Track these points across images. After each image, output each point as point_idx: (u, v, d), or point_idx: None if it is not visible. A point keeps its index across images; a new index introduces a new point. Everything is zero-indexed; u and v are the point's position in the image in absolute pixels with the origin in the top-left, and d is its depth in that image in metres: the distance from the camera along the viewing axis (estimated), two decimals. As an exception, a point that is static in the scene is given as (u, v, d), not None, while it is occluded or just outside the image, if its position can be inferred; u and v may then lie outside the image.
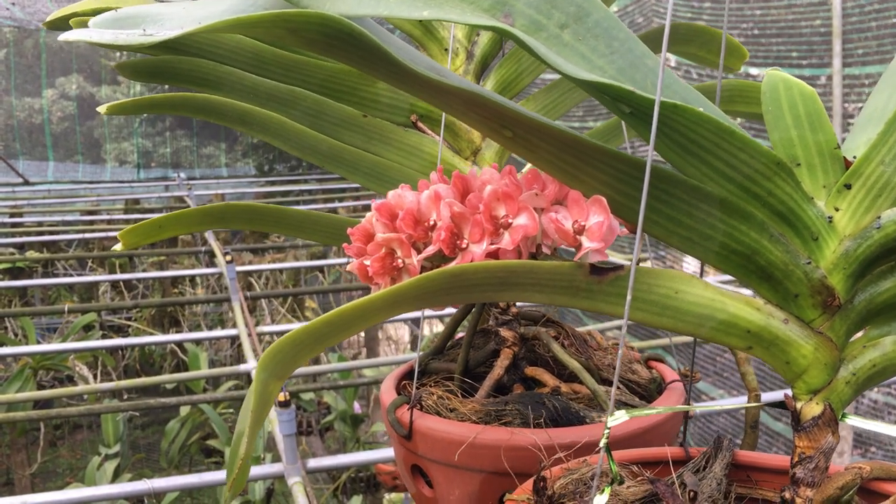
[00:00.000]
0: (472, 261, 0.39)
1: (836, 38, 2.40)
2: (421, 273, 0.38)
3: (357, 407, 3.88)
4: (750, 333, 0.40)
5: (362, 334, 4.99)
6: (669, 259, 3.41)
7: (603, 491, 0.36)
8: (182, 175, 6.09)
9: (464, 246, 0.39)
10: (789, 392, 0.42)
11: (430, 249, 0.39)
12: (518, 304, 0.71)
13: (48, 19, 0.73)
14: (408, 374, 0.68)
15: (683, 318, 0.39)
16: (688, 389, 0.63)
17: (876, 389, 2.66)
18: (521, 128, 0.38)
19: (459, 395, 0.62)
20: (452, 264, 0.39)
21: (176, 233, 0.73)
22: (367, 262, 0.40)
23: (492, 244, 0.39)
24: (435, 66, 0.39)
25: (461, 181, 0.41)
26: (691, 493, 0.39)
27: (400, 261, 0.39)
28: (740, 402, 0.51)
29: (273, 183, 6.37)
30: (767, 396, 1.78)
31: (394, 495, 3.84)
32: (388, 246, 0.39)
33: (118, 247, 0.68)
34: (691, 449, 0.47)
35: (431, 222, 0.40)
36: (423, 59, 0.39)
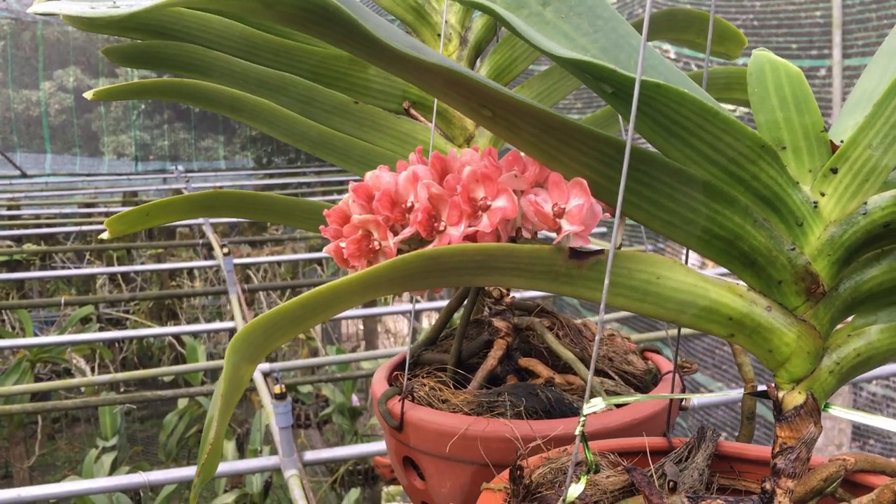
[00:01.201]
0: (449, 244, 0.38)
1: (837, 28, 2.38)
2: (398, 256, 0.38)
3: (355, 399, 3.87)
4: (732, 320, 0.39)
5: (361, 327, 4.99)
6: (669, 251, 3.40)
7: (579, 480, 0.35)
8: (180, 168, 6.07)
9: (441, 228, 0.38)
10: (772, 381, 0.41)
11: (407, 232, 0.38)
12: (513, 293, 0.70)
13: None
14: (400, 366, 0.68)
15: (664, 305, 0.39)
16: (681, 380, 0.62)
17: (874, 382, 2.66)
18: (501, 107, 0.37)
19: (452, 387, 0.61)
20: (429, 247, 0.38)
21: (163, 221, 0.72)
22: (343, 245, 0.39)
23: (470, 227, 0.38)
24: (415, 44, 0.38)
25: (440, 162, 0.40)
26: (671, 484, 0.38)
27: (376, 243, 0.39)
28: (727, 392, 0.50)
29: (271, 176, 6.36)
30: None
31: (392, 488, 3.83)
32: (364, 228, 0.39)
33: (105, 235, 0.67)
34: (674, 439, 0.47)
35: (409, 204, 0.39)
36: (403, 37, 0.38)
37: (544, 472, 0.40)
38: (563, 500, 0.34)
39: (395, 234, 0.39)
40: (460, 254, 0.36)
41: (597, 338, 0.33)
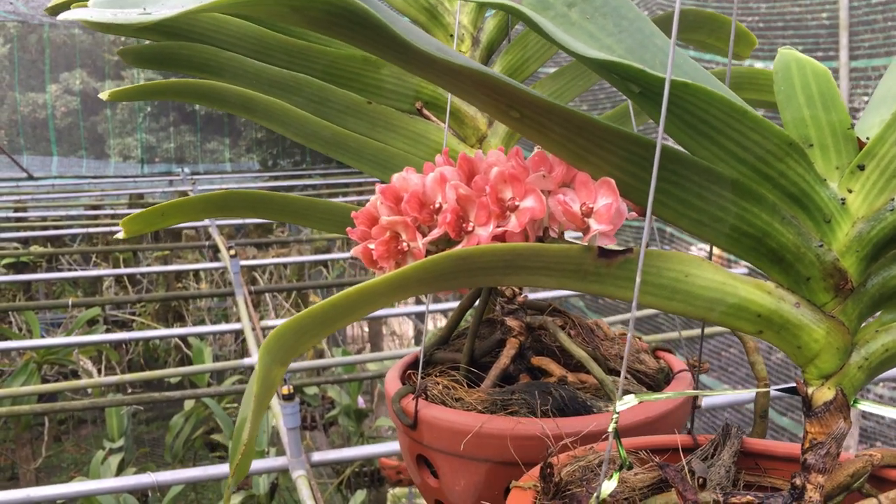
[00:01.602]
0: (478, 244, 0.38)
1: (843, 30, 2.38)
2: (426, 257, 0.38)
3: (361, 402, 3.87)
4: (760, 317, 0.39)
5: (366, 329, 5.00)
6: (676, 249, 3.39)
7: (611, 477, 0.35)
8: (186, 170, 6.09)
9: (470, 229, 0.38)
10: (800, 377, 0.41)
11: (436, 232, 0.38)
12: (525, 292, 0.70)
13: (50, 4, 0.72)
14: (413, 364, 0.68)
15: (693, 302, 0.39)
16: (695, 379, 0.62)
17: (882, 385, 2.65)
18: (530, 108, 0.38)
19: (465, 385, 0.61)
20: (458, 247, 0.38)
21: (178, 221, 0.73)
22: (372, 246, 0.39)
23: (498, 227, 0.38)
24: (442, 47, 0.38)
25: (467, 163, 0.40)
26: (700, 480, 0.38)
27: (405, 244, 0.39)
28: (750, 390, 0.50)
29: (277, 178, 6.37)
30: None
31: (398, 490, 3.84)
32: (392, 229, 0.39)
33: (120, 235, 0.67)
34: (699, 436, 0.47)
35: (437, 205, 0.39)
36: (430, 40, 0.39)
37: (572, 470, 0.40)
38: (598, 497, 0.34)
39: (424, 235, 0.39)
40: (489, 254, 0.37)
41: (629, 335, 0.33)
